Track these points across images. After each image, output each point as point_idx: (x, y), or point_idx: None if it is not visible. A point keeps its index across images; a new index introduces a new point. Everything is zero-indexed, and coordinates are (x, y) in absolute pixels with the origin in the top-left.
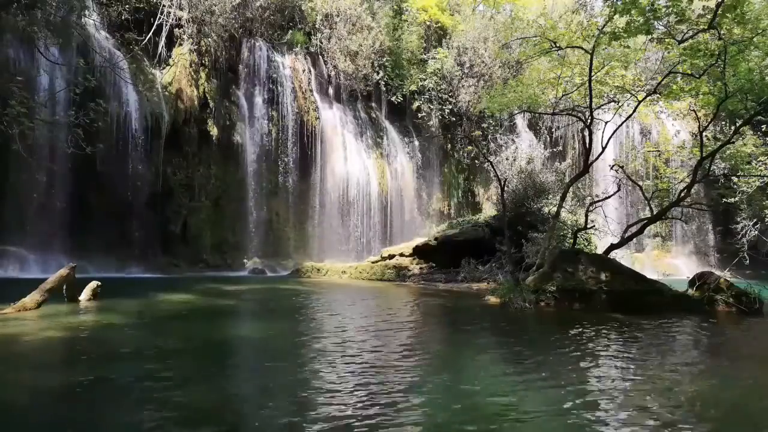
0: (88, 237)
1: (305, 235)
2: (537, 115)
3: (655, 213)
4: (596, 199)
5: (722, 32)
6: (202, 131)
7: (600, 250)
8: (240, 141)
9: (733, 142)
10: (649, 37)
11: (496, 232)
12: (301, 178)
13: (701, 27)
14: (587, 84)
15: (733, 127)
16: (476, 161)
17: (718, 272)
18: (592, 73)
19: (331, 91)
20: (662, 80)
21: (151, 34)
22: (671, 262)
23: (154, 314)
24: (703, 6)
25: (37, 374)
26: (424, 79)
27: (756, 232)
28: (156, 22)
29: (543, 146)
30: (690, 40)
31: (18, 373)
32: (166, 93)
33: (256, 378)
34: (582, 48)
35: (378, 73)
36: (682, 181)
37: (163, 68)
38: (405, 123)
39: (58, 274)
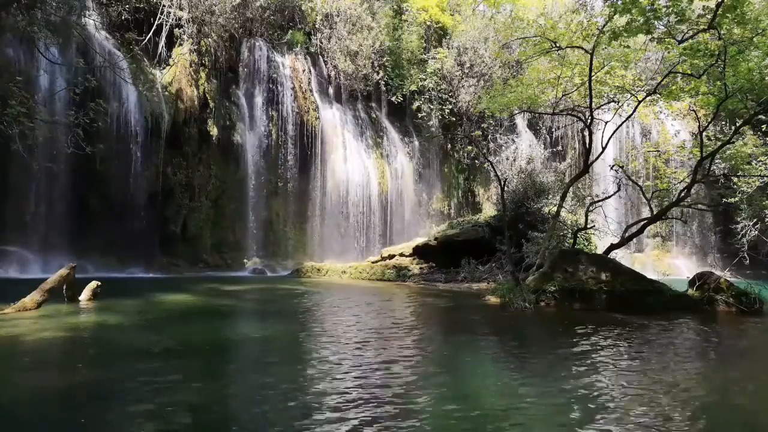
0: (88, 237)
1: (305, 235)
2: (537, 115)
3: (655, 213)
4: (596, 199)
5: (722, 32)
6: (202, 131)
7: (600, 250)
8: (240, 141)
9: (733, 142)
10: (650, 36)
11: (496, 232)
12: (301, 178)
13: (701, 27)
14: (587, 84)
15: (733, 127)
16: (476, 161)
17: (718, 272)
18: (592, 73)
19: (331, 91)
20: (662, 80)
21: (151, 34)
22: (671, 262)
23: (154, 314)
24: (703, 6)
25: (37, 374)
26: (424, 79)
27: (756, 232)
28: (156, 22)
29: (543, 146)
30: (690, 40)
31: (17, 373)
32: (166, 93)
33: (255, 379)
34: (582, 48)
35: (378, 73)
36: (682, 181)
37: (163, 68)
38: (405, 123)
39: (58, 274)
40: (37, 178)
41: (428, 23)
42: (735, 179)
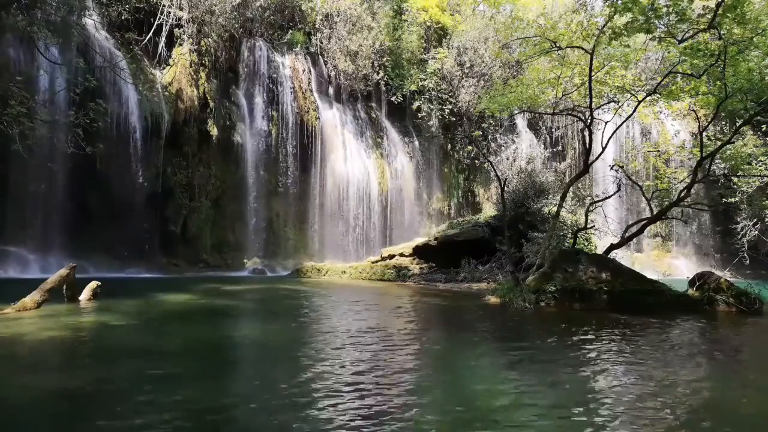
0: (88, 237)
1: (305, 235)
2: (537, 115)
3: (655, 213)
4: (596, 199)
5: (722, 32)
6: (202, 131)
7: (600, 250)
8: (240, 141)
9: (733, 142)
10: (650, 36)
11: (496, 232)
12: (301, 178)
13: (701, 27)
14: (587, 84)
15: (733, 127)
16: (476, 161)
17: (718, 272)
18: (592, 73)
19: (331, 91)
20: (662, 80)
21: (151, 34)
22: (671, 262)
23: (154, 314)
24: (703, 6)
25: (37, 375)
26: (424, 79)
27: (756, 232)
28: (156, 22)
29: (543, 146)
30: (690, 40)
31: (17, 373)
32: (166, 93)
33: (255, 379)
34: (582, 48)
35: (378, 73)
36: (682, 181)
37: (163, 68)
38: (405, 123)
39: (58, 274)
40: (37, 178)
41: (428, 23)
42: (735, 179)
